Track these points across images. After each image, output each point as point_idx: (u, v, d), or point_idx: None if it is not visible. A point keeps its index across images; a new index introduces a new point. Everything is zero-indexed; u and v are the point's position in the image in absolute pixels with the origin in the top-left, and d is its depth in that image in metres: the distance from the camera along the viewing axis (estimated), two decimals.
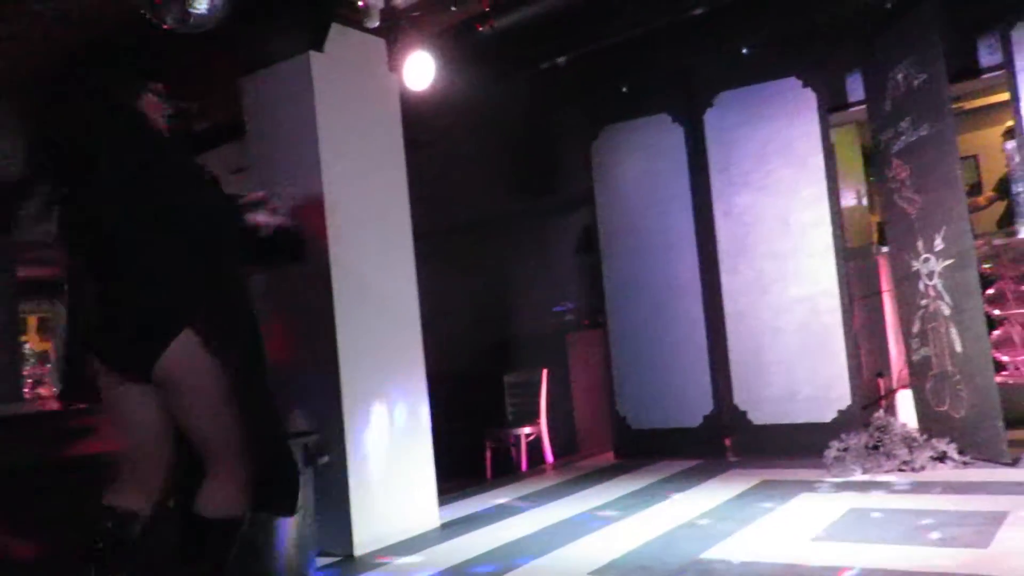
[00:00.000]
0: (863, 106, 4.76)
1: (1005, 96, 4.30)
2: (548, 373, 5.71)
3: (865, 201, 6.21)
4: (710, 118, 5.05)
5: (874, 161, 4.99)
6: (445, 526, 3.87)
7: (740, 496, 3.88)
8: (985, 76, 4.66)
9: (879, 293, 5.23)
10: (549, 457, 5.65)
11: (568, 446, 5.99)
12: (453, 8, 3.81)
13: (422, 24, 4.03)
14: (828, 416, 4.62)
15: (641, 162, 5.31)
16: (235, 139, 4.38)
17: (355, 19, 3.70)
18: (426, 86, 4.05)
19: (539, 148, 6.51)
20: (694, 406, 5.06)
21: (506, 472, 5.51)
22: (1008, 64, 4.22)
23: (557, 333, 6.38)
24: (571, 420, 6.12)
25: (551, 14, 4.69)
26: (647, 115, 5.27)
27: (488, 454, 5.66)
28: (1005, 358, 4.81)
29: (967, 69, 4.68)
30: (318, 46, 3.56)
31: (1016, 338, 4.82)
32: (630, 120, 5.33)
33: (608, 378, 5.41)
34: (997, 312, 4.86)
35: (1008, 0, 4.21)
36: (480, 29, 3.88)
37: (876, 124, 4.60)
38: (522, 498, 4.36)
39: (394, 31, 3.84)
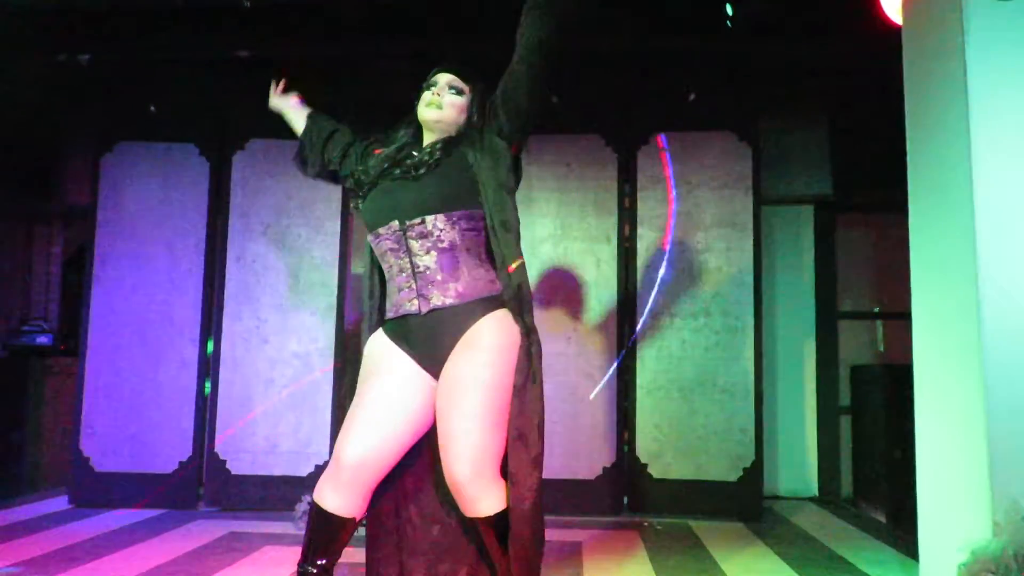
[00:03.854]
0: None
1: None
2: (2, 400, 4.93)
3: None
4: (239, 161, 4.99)
5: None
6: None
7: (205, 547, 3.76)
8: None
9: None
10: None
11: (15, 486, 5.18)
12: None
13: None
14: (305, 471, 4.74)
15: (158, 189, 4.99)
16: None
17: None
18: None
19: (37, 145, 5.73)
20: (171, 451, 4.79)
21: None
22: None
23: (21, 354, 5.55)
24: (21, 456, 5.31)
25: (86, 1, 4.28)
26: (173, 141, 5.01)
27: None
28: None
29: None
30: None
31: None
32: (153, 142, 5.01)
33: (77, 412, 4.86)
34: None
35: None
36: None
37: None
38: None
39: None
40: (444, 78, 2.41)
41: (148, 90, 5.01)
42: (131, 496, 4.71)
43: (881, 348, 5.54)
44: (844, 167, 5.42)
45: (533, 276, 4.83)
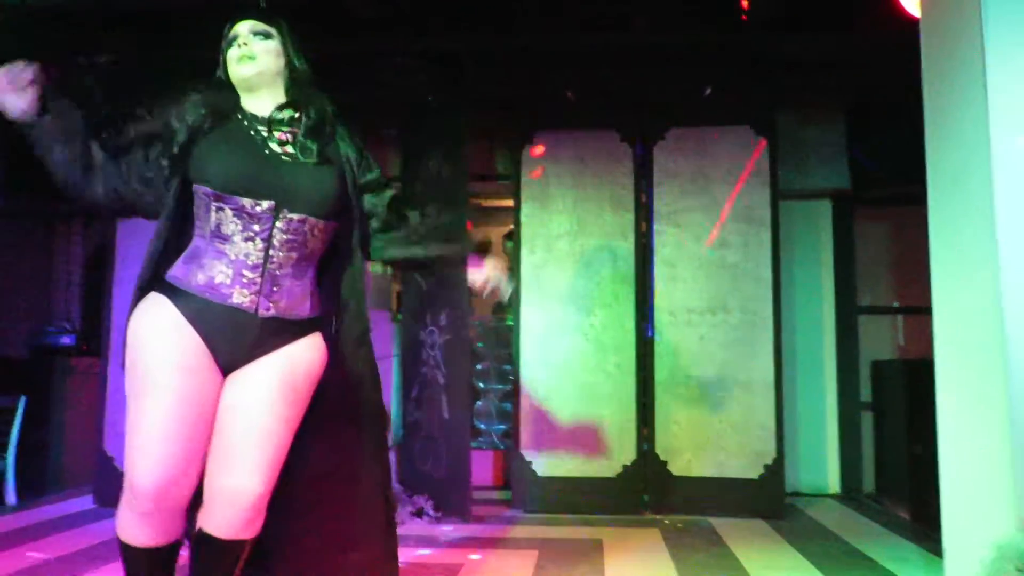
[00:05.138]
0: (399, 183, 5.14)
1: (511, 202, 5.02)
2: (28, 401, 4.99)
3: (390, 269, 6.67)
4: None
5: None
6: None
7: None
8: (500, 182, 5.41)
9: (389, 356, 5.62)
10: (12, 498, 4.88)
11: (41, 485, 5.25)
12: None
13: None
14: None
15: None
16: None
17: None
18: None
19: None
20: None
21: None
22: (516, 177, 4.95)
23: (46, 355, 5.62)
24: (46, 456, 5.38)
25: (105, 5, 4.33)
26: None
27: None
28: (482, 426, 5.51)
29: (486, 173, 5.40)
30: None
31: (492, 410, 5.56)
32: None
33: (100, 412, 4.91)
34: (482, 385, 5.56)
35: (521, 127, 4.97)
36: None
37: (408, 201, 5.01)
38: None
39: None
40: (244, 27, 2.11)
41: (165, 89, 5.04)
42: None
43: (901, 343, 5.49)
44: (862, 160, 5.37)
45: (550, 273, 4.84)
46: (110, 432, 4.86)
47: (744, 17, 4.20)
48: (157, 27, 4.57)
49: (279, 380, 1.96)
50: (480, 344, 5.62)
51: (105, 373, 4.91)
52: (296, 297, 2.02)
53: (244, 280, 1.95)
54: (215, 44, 2.18)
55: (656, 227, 4.85)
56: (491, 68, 4.92)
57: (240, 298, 1.94)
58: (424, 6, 4.39)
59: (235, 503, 1.89)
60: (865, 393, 5.34)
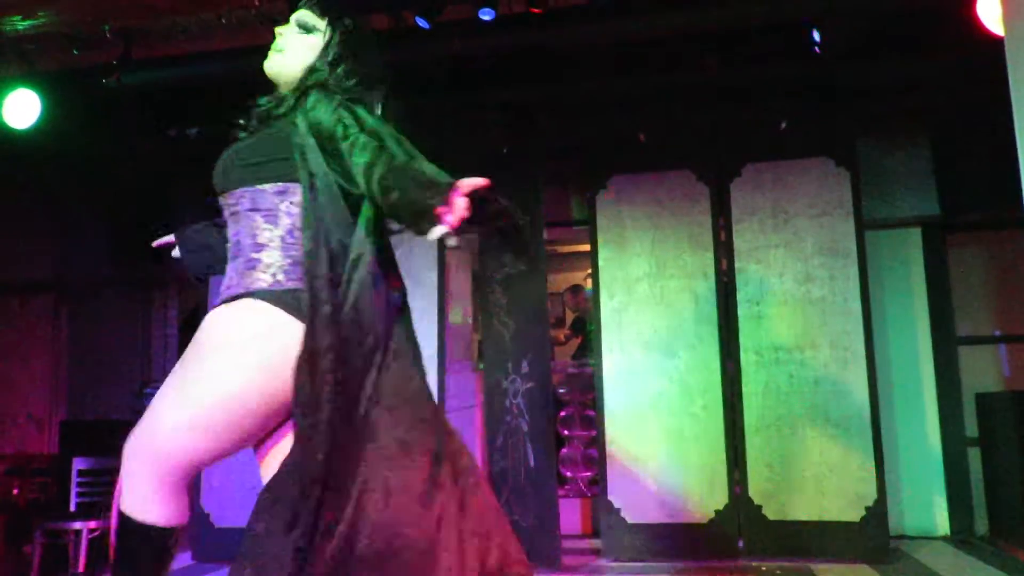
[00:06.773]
0: (475, 233, 5.20)
1: (587, 247, 5.02)
2: None
3: (471, 319, 6.73)
4: None
5: (480, 285, 5.46)
6: None
7: None
8: (575, 228, 5.42)
9: (471, 406, 5.64)
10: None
11: None
12: (75, 52, 3.49)
13: (35, 59, 3.64)
14: None
15: None
16: None
17: None
18: (28, 125, 3.65)
19: (155, 216, 6.09)
20: None
21: (60, 573, 4.78)
22: (592, 221, 4.95)
23: None
24: None
25: (192, 81, 4.55)
26: None
27: (37, 551, 4.88)
28: (568, 473, 5.44)
29: (562, 219, 5.42)
30: None
31: (578, 456, 5.49)
32: None
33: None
34: (566, 432, 5.51)
35: (595, 172, 4.99)
36: (104, 81, 3.60)
37: (484, 251, 5.07)
38: None
39: None
40: (294, 16, 1.91)
41: None
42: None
43: (1007, 373, 5.21)
44: (951, 185, 5.18)
45: (630, 316, 4.80)
46: (206, 489, 5.00)
47: (817, 49, 4.14)
48: (241, 100, 4.79)
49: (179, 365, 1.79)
50: (562, 390, 5.58)
51: None
52: (238, 275, 1.78)
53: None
54: None
55: (737, 265, 4.76)
56: (562, 115, 4.98)
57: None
58: (493, 60, 4.49)
59: None
60: (970, 428, 5.07)
